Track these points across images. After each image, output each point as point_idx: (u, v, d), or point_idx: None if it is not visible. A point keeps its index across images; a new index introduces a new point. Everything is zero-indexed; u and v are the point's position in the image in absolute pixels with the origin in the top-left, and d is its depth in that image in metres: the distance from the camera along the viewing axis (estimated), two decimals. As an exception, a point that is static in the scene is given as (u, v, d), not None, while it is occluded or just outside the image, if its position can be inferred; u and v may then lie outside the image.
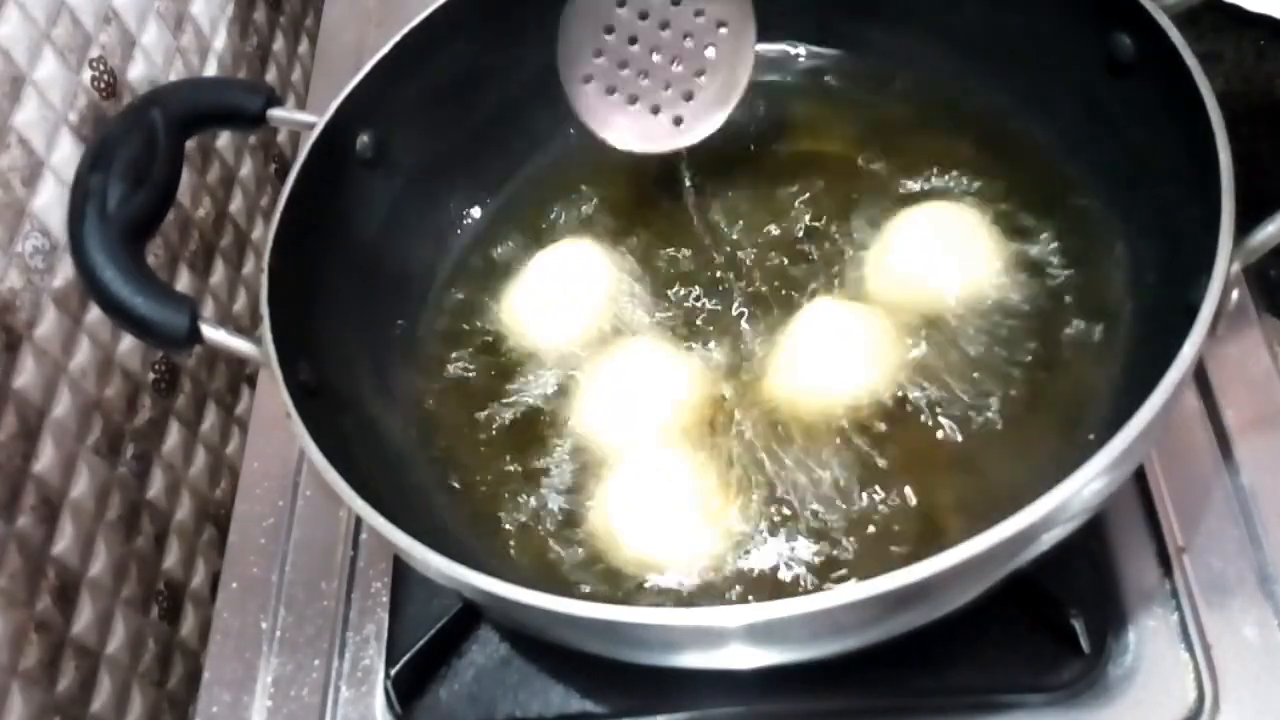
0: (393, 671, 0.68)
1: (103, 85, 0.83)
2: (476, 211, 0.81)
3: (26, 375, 0.73)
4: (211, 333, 0.61)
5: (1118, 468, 0.49)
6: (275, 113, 0.70)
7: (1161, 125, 0.61)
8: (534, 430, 0.69)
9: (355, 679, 0.70)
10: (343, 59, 1.05)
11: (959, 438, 0.63)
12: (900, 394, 0.64)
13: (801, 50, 0.83)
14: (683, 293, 0.73)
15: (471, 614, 0.69)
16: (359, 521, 0.71)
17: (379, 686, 0.69)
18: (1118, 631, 0.64)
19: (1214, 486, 0.68)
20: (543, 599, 0.50)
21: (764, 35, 0.72)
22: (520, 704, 0.67)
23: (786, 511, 0.62)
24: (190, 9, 0.96)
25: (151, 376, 0.87)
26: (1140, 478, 0.68)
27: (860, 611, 0.48)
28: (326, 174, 0.70)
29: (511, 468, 0.67)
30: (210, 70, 0.98)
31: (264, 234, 0.87)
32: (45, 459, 0.74)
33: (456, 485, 0.68)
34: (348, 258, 0.72)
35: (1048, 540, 0.52)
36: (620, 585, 0.61)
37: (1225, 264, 0.52)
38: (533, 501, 0.66)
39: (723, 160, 0.76)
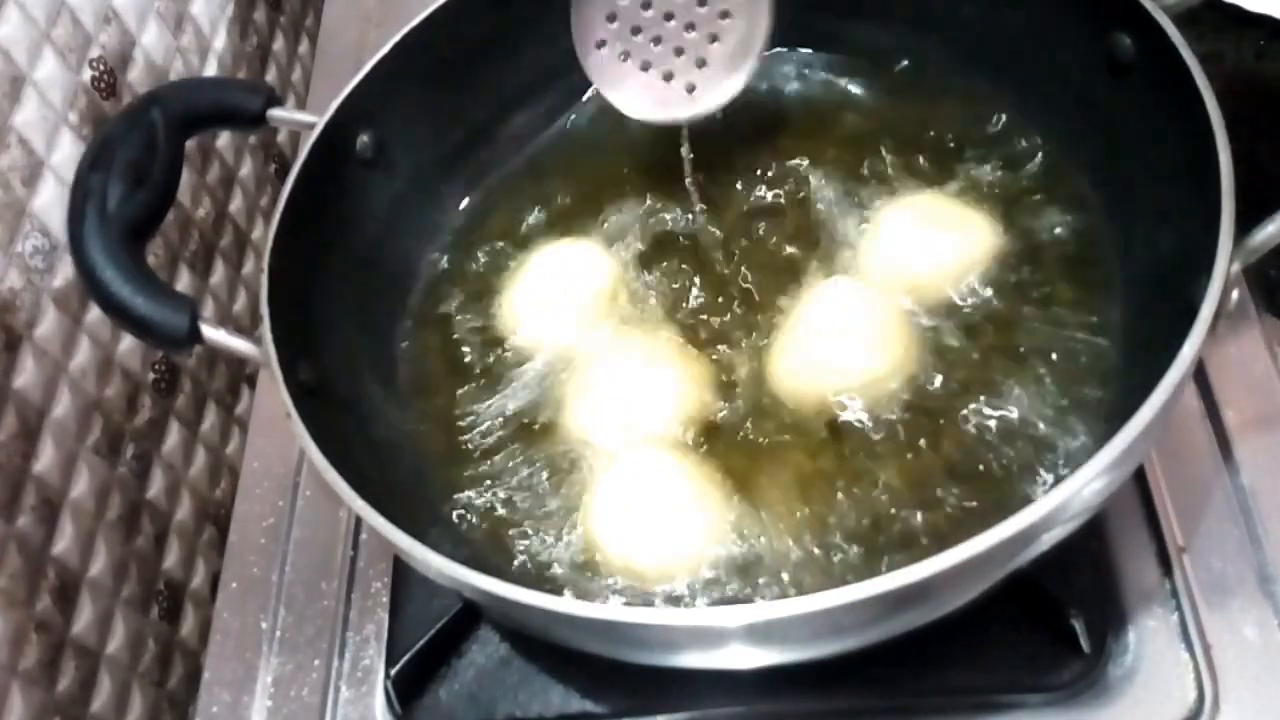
0: (393, 671, 0.68)
1: (103, 85, 0.83)
2: (476, 211, 0.81)
3: (26, 375, 0.73)
4: (211, 333, 0.61)
5: (1118, 468, 0.49)
6: (275, 113, 0.70)
7: (1161, 125, 0.61)
8: (535, 430, 0.69)
9: (355, 679, 0.70)
10: (343, 59, 1.05)
11: (958, 437, 0.63)
12: (896, 389, 0.64)
13: (799, 52, 0.83)
14: (684, 292, 0.73)
15: (471, 614, 0.69)
16: (359, 521, 0.71)
17: (379, 686, 0.69)
18: (1118, 631, 0.64)
19: (1214, 486, 0.68)
20: (543, 599, 0.50)
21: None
22: (520, 704, 0.67)
23: (787, 511, 0.62)
24: (190, 9, 0.96)
25: (151, 376, 0.87)
26: (1140, 478, 0.68)
27: (860, 611, 0.48)
28: (326, 174, 0.70)
29: (512, 467, 0.67)
30: (210, 70, 0.98)
31: (264, 234, 0.87)
32: (45, 459, 0.74)
33: (457, 484, 0.68)
34: (347, 258, 0.72)
35: (1048, 540, 0.52)
36: (620, 585, 0.61)
37: (1225, 264, 0.52)
38: (533, 501, 0.66)
39: (721, 153, 0.76)
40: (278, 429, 0.80)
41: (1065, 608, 0.62)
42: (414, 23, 0.74)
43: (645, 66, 0.72)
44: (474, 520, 0.66)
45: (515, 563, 0.64)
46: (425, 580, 0.57)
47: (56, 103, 0.78)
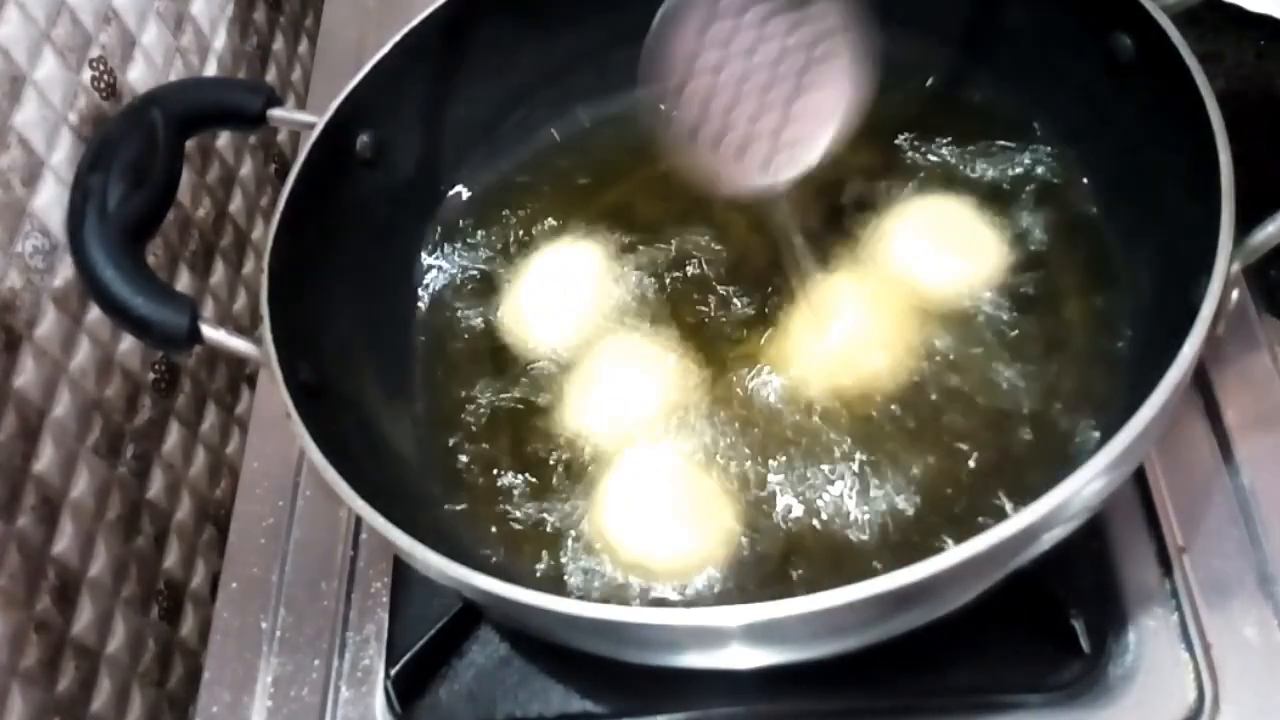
0: (393, 671, 0.68)
1: (103, 85, 0.83)
2: (476, 211, 0.81)
3: (26, 375, 0.73)
4: (211, 333, 0.61)
5: (1118, 468, 0.49)
6: (275, 113, 0.70)
7: (1161, 125, 0.61)
8: (535, 430, 0.69)
9: (355, 679, 0.70)
10: (343, 59, 1.05)
11: (956, 436, 0.63)
12: (903, 389, 0.65)
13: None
14: (686, 292, 0.73)
15: (471, 614, 0.69)
16: (359, 521, 0.71)
17: (379, 686, 0.69)
18: (1118, 631, 0.64)
19: (1214, 486, 0.68)
20: (543, 599, 0.50)
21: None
22: (520, 704, 0.67)
23: (788, 510, 0.62)
24: (190, 9, 0.96)
25: (151, 376, 0.87)
26: (1140, 478, 0.68)
27: (860, 611, 0.48)
28: (326, 174, 0.70)
29: (512, 467, 0.67)
30: (210, 70, 0.98)
31: (264, 234, 0.87)
32: (45, 459, 0.74)
33: (457, 484, 0.68)
34: (347, 258, 0.72)
35: (1048, 540, 0.52)
36: (621, 585, 0.61)
37: (1225, 264, 0.52)
38: (534, 501, 0.66)
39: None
40: (278, 429, 0.80)
41: (1065, 608, 0.62)
42: (414, 23, 0.73)
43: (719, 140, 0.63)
44: (474, 520, 0.66)
45: (516, 562, 0.64)
46: (425, 580, 0.57)
47: (56, 103, 0.78)
